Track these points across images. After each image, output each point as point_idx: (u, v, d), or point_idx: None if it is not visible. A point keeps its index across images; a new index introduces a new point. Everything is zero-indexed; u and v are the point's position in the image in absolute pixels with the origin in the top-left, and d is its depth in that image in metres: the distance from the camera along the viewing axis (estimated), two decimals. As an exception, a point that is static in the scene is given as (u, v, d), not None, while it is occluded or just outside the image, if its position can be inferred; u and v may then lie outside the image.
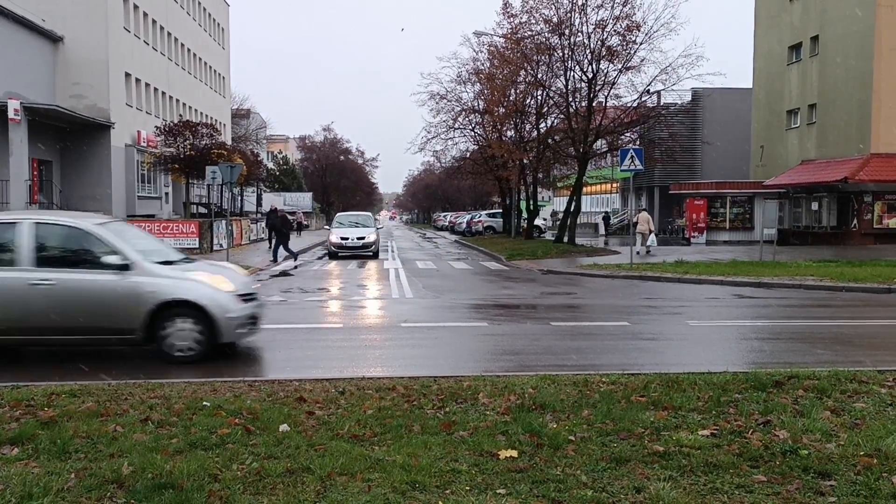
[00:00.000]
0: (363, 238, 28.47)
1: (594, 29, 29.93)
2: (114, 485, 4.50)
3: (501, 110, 35.80)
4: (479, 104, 38.85)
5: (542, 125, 36.75)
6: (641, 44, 29.77)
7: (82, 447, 5.20)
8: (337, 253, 28.34)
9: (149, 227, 27.90)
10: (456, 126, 40.23)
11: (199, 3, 50.46)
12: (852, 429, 5.52)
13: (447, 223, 68.33)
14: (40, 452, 5.10)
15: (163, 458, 4.86)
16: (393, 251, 33.50)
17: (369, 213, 37.71)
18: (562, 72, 32.00)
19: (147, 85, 39.85)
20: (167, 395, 6.64)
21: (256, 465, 4.79)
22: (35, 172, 31.08)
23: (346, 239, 28.53)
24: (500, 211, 49.57)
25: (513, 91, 34.76)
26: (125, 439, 5.33)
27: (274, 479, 4.57)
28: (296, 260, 25.13)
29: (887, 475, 4.54)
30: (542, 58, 32.20)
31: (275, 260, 25.22)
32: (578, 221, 36.23)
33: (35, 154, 30.44)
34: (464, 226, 53.92)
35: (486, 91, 36.55)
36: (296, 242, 39.68)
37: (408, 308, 14.48)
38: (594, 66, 30.51)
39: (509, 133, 38.34)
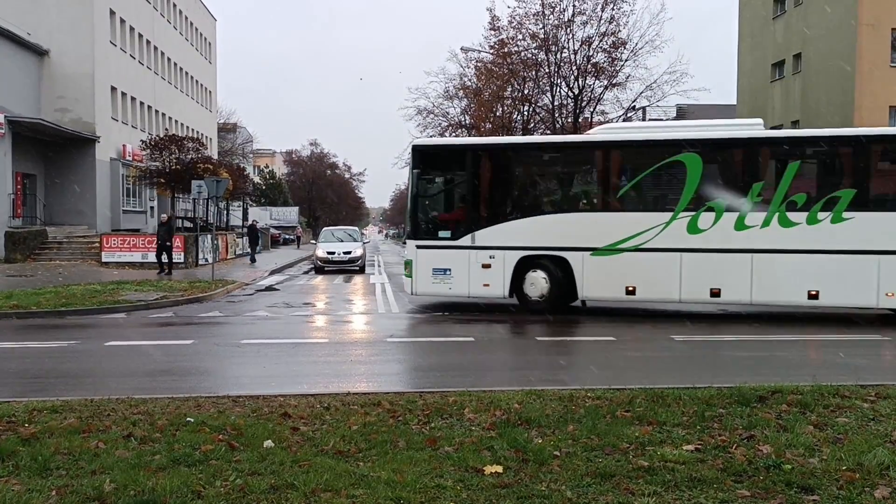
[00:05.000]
0: (350, 252, 28.43)
1: (580, 45, 30.25)
2: (95, 502, 4.46)
3: (488, 125, 36.00)
4: (465, 119, 39.04)
5: (529, 140, 36.93)
6: (627, 60, 30.14)
7: (63, 464, 5.14)
8: (323, 267, 28.27)
9: (133, 241, 27.80)
10: (442, 142, 40.37)
11: (186, 18, 50.51)
12: (835, 443, 5.56)
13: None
14: (21, 469, 5.04)
15: (145, 475, 4.82)
16: (379, 266, 33.45)
17: (356, 228, 37.66)
18: (548, 87, 32.26)
19: (133, 99, 39.78)
20: (150, 411, 6.59)
21: (240, 481, 4.75)
22: (19, 186, 30.89)
23: (333, 253, 28.48)
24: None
25: (499, 106, 34.97)
26: (107, 456, 5.28)
27: (258, 495, 4.54)
28: (166, 272, 23.85)
29: (869, 490, 4.58)
30: (529, 73, 32.44)
31: (162, 269, 24.06)
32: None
33: (19, 168, 30.28)
34: (450, 240, 53.78)
35: (472, 106, 36.74)
36: (283, 255, 39.64)
37: (394, 323, 14.46)
38: (580, 81, 30.80)
39: (496, 148, 38.46)
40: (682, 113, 43.74)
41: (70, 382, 8.76)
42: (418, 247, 15.60)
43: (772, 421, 6.14)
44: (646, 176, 14.85)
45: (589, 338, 12.51)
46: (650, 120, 35.56)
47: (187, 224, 40.76)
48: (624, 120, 32.15)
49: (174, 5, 47.39)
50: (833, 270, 13.44)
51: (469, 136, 39.49)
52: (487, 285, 15.17)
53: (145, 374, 9.42)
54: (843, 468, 4.94)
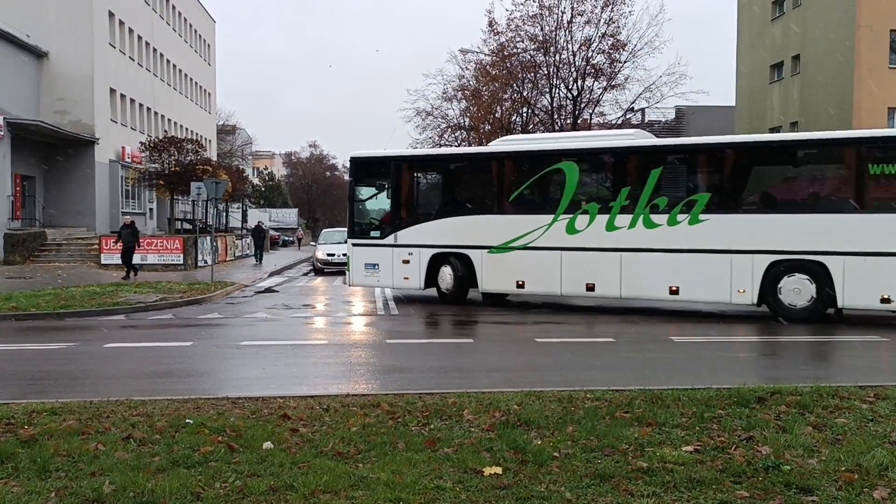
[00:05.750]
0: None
1: (579, 47, 30.30)
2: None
3: (487, 127, 36.03)
4: (464, 121, 39.07)
5: (528, 142, 36.99)
6: (626, 62, 30.19)
7: (63, 466, 5.14)
8: (323, 269, 28.30)
9: (133, 243, 27.73)
10: (442, 143, 40.41)
11: (186, 20, 50.52)
12: (834, 444, 5.56)
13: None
14: (20, 471, 5.04)
15: (145, 477, 4.82)
16: (379, 267, 33.40)
17: (355, 230, 37.67)
18: (547, 89, 32.30)
19: (132, 101, 39.78)
20: (149, 413, 6.59)
21: (240, 483, 4.75)
22: (18, 188, 30.88)
23: (332, 255, 28.49)
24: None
25: (498, 108, 34.98)
26: (107, 458, 5.28)
27: (257, 497, 4.54)
28: (136, 275, 22.78)
29: (868, 490, 4.58)
30: (528, 75, 32.47)
31: (134, 272, 22.92)
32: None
33: (18, 169, 30.26)
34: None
35: (471, 108, 36.77)
36: (283, 257, 39.65)
37: (393, 325, 14.46)
38: (579, 83, 30.84)
39: (495, 150, 38.49)
40: (681, 115, 43.78)
41: (69, 384, 8.76)
42: (353, 245, 17.87)
43: (771, 422, 6.14)
44: (532, 182, 16.36)
45: (588, 339, 12.52)
46: (649, 122, 35.60)
47: (186, 226, 40.82)
48: (623, 121, 32.18)
49: (173, 7, 47.41)
50: (691, 268, 14.33)
51: (468, 137, 39.61)
52: (407, 279, 17.12)
53: (144, 375, 9.42)
54: (842, 469, 4.94)
